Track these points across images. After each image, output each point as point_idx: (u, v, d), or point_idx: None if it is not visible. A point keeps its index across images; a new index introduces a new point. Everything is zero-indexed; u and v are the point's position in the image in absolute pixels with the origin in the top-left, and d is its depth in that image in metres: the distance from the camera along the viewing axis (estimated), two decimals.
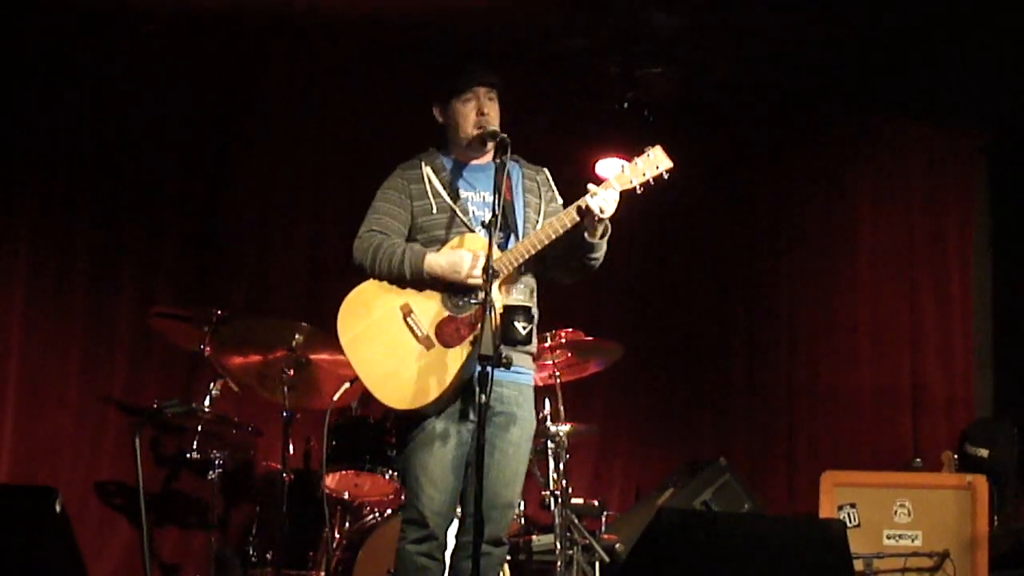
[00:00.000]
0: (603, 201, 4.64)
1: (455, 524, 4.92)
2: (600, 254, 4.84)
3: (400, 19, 7.68)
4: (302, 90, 8.08)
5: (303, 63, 8.04)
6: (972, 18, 7.47)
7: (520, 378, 4.85)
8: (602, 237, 4.77)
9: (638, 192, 4.72)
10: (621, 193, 4.69)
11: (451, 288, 4.73)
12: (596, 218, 4.65)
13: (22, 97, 7.41)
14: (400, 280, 4.75)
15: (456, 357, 4.66)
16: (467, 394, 4.73)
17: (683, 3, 7.51)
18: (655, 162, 4.73)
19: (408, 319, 4.72)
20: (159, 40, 7.66)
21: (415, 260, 4.72)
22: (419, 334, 4.70)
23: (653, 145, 4.78)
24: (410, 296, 4.75)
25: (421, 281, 4.73)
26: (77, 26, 7.50)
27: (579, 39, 7.93)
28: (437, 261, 4.71)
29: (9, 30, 7.35)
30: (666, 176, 4.73)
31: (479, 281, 4.62)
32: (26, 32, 7.40)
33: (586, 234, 4.72)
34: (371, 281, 4.81)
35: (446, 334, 4.69)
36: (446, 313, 4.72)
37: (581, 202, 4.67)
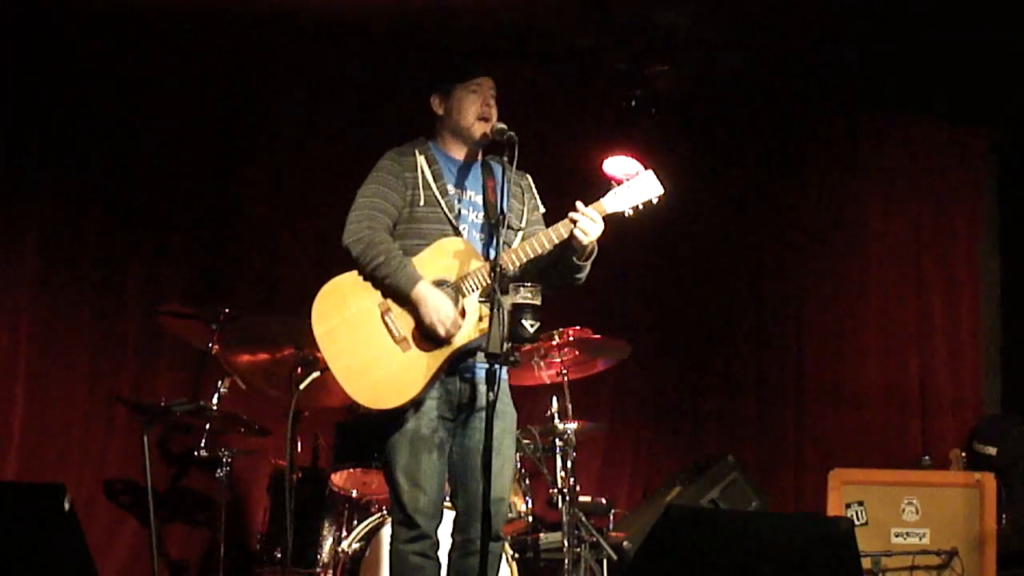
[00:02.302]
0: (587, 226, 4.68)
1: (448, 523, 4.92)
2: (584, 274, 4.88)
3: (408, 16, 7.68)
4: (310, 87, 8.07)
5: (312, 60, 8.02)
6: (981, 14, 7.46)
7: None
8: (588, 259, 4.81)
9: (627, 216, 4.76)
10: (611, 216, 4.73)
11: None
12: (579, 242, 4.69)
13: (30, 96, 7.42)
14: (379, 286, 4.74)
15: (432, 361, 4.67)
16: (447, 394, 4.76)
17: (690, 1, 7.50)
18: (646, 188, 4.78)
19: (386, 318, 4.72)
20: (166, 37, 7.66)
21: (404, 284, 4.69)
22: (396, 335, 4.69)
23: (646, 169, 4.82)
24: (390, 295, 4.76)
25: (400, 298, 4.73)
26: (84, 23, 7.50)
27: (587, 36, 7.93)
28: (430, 296, 4.66)
29: (15, 28, 7.37)
30: (656, 202, 4.76)
31: (442, 335, 4.63)
32: (33, 30, 7.41)
33: (574, 257, 4.75)
34: (349, 274, 4.81)
35: (423, 337, 4.70)
36: None
37: (569, 223, 4.71)
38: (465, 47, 7.71)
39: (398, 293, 4.70)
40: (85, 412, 7.40)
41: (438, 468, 4.74)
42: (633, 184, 4.75)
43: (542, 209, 5.04)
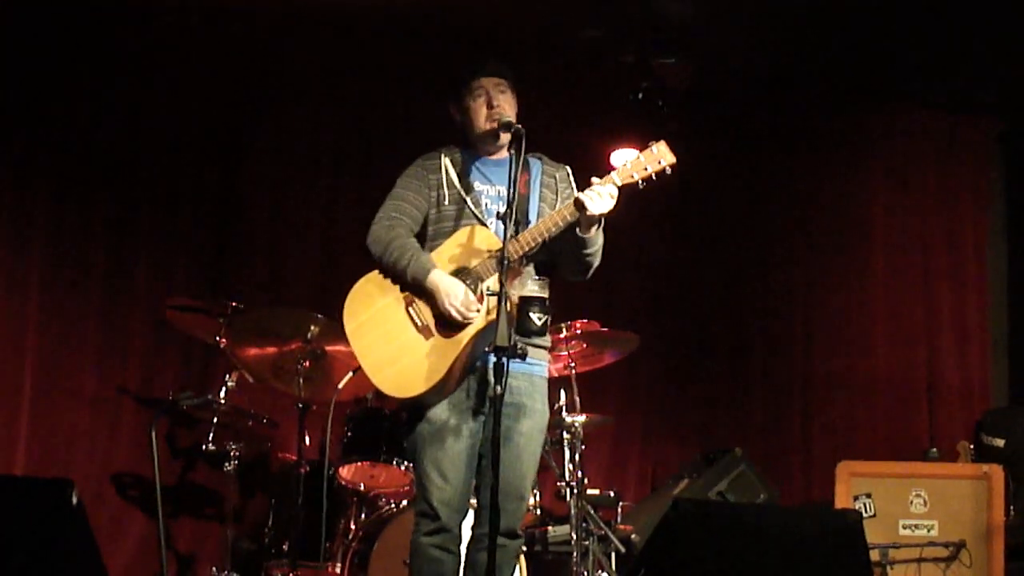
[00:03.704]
0: (596, 196, 4.63)
1: (470, 517, 4.92)
2: (594, 250, 4.82)
3: (415, 8, 7.67)
4: (316, 80, 8.08)
5: (318, 53, 8.03)
6: (988, 3, 7.45)
7: (532, 369, 4.84)
8: (597, 230, 4.75)
9: (640, 187, 4.71)
10: (623, 187, 4.69)
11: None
12: (589, 214, 4.64)
13: (38, 89, 7.43)
14: (401, 281, 4.76)
15: (453, 347, 4.66)
16: (475, 386, 4.76)
17: None
18: (658, 157, 4.71)
19: (410, 308, 4.74)
20: (174, 28, 7.66)
21: (420, 274, 4.70)
22: (419, 323, 4.71)
23: (658, 140, 4.77)
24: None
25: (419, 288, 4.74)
26: (93, 14, 7.51)
27: (594, 29, 7.92)
28: (441, 282, 4.68)
29: (27, 17, 7.36)
30: (669, 171, 4.71)
31: (458, 318, 4.64)
32: (43, 20, 7.41)
33: (578, 229, 4.71)
34: (378, 271, 4.82)
35: (445, 324, 4.69)
36: None
37: (578, 196, 4.67)
38: (474, 40, 7.71)
39: (417, 284, 4.71)
40: (93, 406, 7.42)
41: (465, 459, 4.74)
42: (644, 155, 4.70)
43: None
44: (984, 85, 8.74)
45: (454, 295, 4.64)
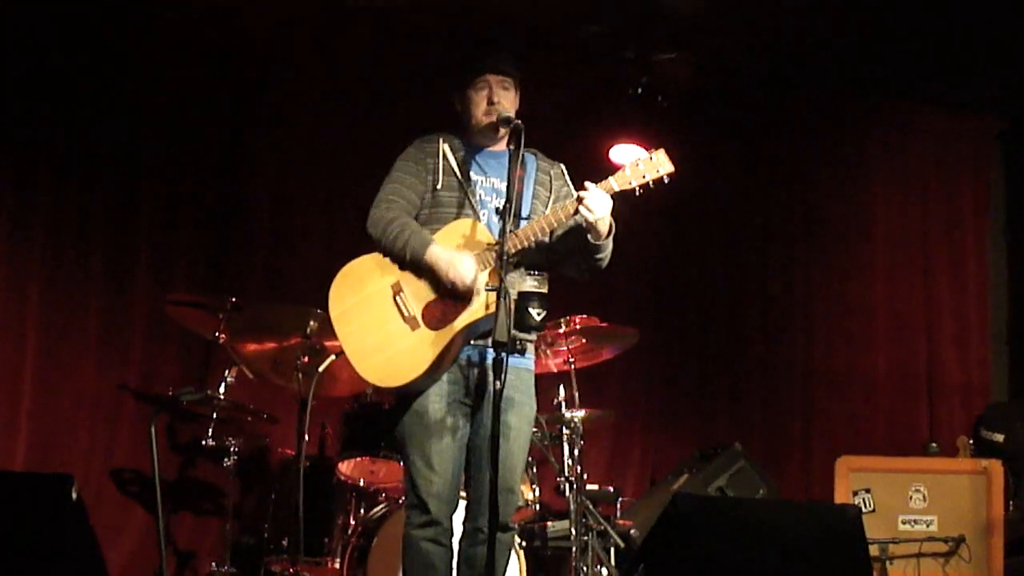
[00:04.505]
0: (592, 203, 4.64)
1: (461, 511, 4.92)
2: (605, 254, 4.84)
3: (416, 4, 7.68)
4: (318, 76, 8.07)
5: (320, 48, 8.02)
6: (988, 4, 7.45)
7: (519, 362, 4.82)
8: (607, 237, 4.77)
9: (637, 194, 4.72)
10: (620, 193, 4.70)
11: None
12: (587, 220, 4.65)
13: (38, 83, 7.42)
14: (400, 261, 4.76)
15: (439, 340, 4.66)
16: (465, 380, 4.76)
17: None
18: (656, 165, 4.74)
19: (397, 298, 4.73)
20: (175, 25, 7.66)
21: (417, 248, 4.71)
22: (405, 314, 4.71)
23: (657, 148, 4.80)
24: (403, 275, 4.76)
25: (418, 267, 4.73)
26: (93, 14, 7.51)
27: (595, 24, 7.92)
28: (439, 255, 4.69)
29: (27, 17, 7.36)
30: (666, 180, 4.74)
31: (460, 286, 4.64)
32: (43, 20, 7.41)
33: (589, 236, 4.73)
34: (367, 256, 4.82)
35: (432, 316, 4.69)
36: (434, 295, 4.72)
37: (574, 202, 4.68)
38: (475, 36, 7.72)
39: (416, 261, 4.71)
40: (93, 402, 7.41)
41: (453, 452, 4.74)
42: (643, 162, 4.73)
43: (575, 195, 5.00)
44: (984, 85, 8.74)
45: (456, 267, 4.64)
